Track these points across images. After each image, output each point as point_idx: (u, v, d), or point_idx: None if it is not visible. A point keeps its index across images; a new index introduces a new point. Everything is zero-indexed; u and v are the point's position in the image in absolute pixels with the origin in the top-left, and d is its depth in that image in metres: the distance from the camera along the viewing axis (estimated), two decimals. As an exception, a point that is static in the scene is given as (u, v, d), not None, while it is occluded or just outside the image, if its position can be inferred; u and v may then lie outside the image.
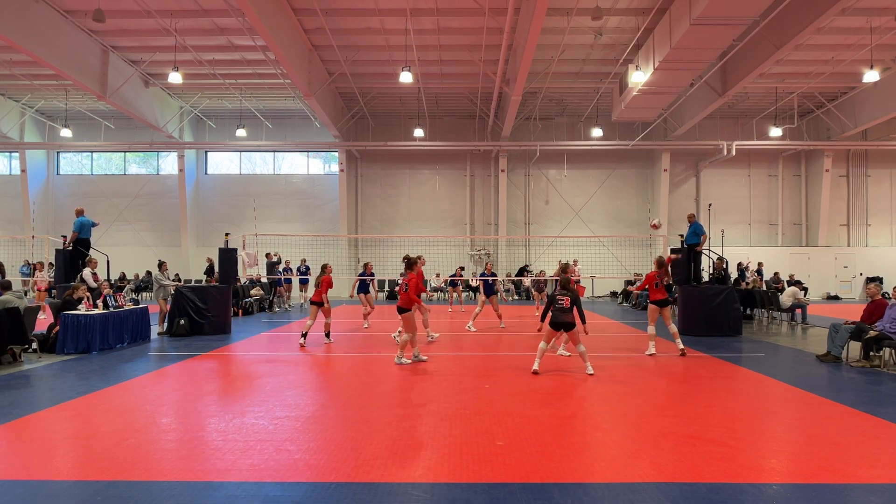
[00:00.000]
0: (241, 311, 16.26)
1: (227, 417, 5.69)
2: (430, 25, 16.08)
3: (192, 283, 17.77)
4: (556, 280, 9.08)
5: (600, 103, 22.32)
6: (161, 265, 12.68)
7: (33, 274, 20.51)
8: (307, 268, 19.34)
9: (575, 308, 7.68)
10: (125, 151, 25.64)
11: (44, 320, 12.22)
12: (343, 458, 4.51)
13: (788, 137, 23.65)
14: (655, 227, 12.02)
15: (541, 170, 25.19)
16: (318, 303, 10.43)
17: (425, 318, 10.71)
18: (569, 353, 9.36)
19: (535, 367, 7.92)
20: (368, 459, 4.48)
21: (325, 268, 10.80)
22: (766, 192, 25.17)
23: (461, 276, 19.29)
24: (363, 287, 13.72)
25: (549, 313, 7.80)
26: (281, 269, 19.06)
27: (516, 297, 23.79)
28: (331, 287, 10.69)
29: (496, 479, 4.08)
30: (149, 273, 22.86)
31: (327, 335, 10.93)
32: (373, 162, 25.36)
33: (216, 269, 15.01)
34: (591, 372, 7.81)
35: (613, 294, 24.44)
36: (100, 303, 10.30)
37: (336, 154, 24.96)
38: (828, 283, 24.08)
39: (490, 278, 13.99)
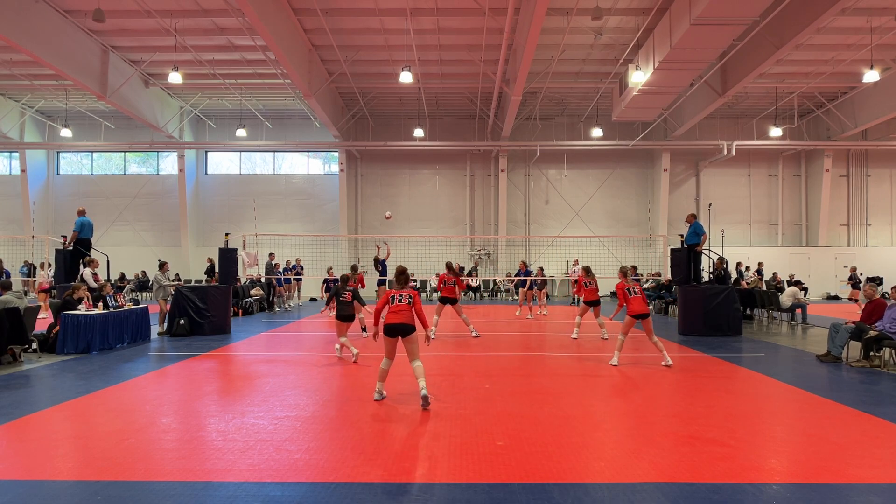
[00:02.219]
0: (241, 311, 16.26)
1: (227, 417, 5.69)
2: (430, 25, 16.08)
3: (192, 283, 17.76)
4: (538, 279, 9.33)
5: (600, 103, 22.32)
6: (162, 265, 12.68)
7: (31, 273, 20.55)
8: (301, 267, 19.72)
9: (356, 301, 9.03)
10: (125, 151, 25.63)
11: (43, 320, 12.22)
12: (343, 458, 4.51)
13: (788, 137, 23.65)
14: (388, 217, 14.92)
15: (541, 170, 25.18)
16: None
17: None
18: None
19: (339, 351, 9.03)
20: (368, 459, 4.48)
21: (356, 268, 12.45)
22: (766, 192, 25.16)
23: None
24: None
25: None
26: (282, 270, 19.08)
27: (516, 297, 23.78)
28: (363, 286, 12.32)
29: (496, 479, 4.08)
30: (144, 273, 22.92)
31: (364, 329, 11.83)
32: (373, 162, 25.36)
33: (216, 269, 15.02)
34: (355, 352, 8.69)
35: (613, 294, 24.43)
36: (100, 303, 10.29)
37: (336, 154, 24.96)
38: (828, 283, 24.07)
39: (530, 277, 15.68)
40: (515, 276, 17.22)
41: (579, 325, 11.58)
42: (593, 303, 11.33)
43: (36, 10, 14.45)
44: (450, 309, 12.60)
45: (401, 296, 6.42)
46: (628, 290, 8.61)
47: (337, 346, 9.14)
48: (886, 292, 10.64)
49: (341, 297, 8.84)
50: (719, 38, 13.67)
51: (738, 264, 20.54)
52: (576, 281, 12.67)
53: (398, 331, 6.28)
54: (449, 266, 11.90)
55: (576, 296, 21.16)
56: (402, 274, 6.73)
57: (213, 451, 4.68)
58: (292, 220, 25.27)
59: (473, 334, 11.61)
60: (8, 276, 15.64)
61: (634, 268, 17.04)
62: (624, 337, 8.69)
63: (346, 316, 8.85)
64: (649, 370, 8.20)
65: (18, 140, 23.91)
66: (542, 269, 17.34)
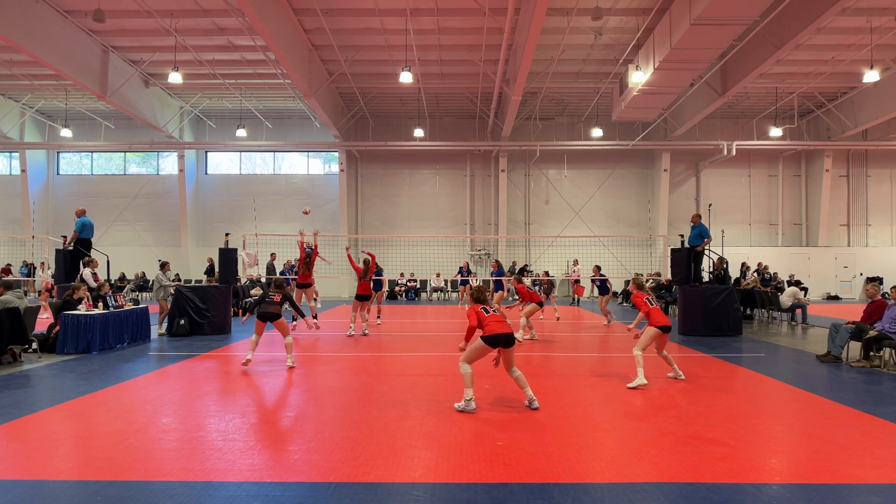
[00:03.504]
0: (241, 311, 16.24)
1: (227, 417, 5.69)
2: (430, 25, 16.08)
3: (193, 283, 17.77)
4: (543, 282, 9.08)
5: (600, 103, 22.32)
6: (163, 265, 12.69)
7: (31, 273, 20.59)
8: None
9: (288, 302, 8.69)
10: (125, 151, 25.64)
11: (43, 320, 12.21)
12: (343, 458, 4.51)
13: (788, 137, 23.65)
14: (306, 212, 13.89)
15: (541, 170, 25.19)
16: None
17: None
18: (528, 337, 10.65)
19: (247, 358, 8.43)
20: (368, 459, 4.48)
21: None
22: (766, 192, 25.17)
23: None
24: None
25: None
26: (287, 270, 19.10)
27: (516, 298, 23.76)
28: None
29: (496, 479, 4.08)
30: (143, 273, 23.00)
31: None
32: (373, 162, 25.37)
33: (216, 269, 15.01)
34: (291, 364, 8.34)
35: (614, 294, 24.41)
36: (100, 303, 10.29)
37: (336, 154, 24.97)
38: (828, 283, 24.07)
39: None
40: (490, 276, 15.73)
41: (526, 327, 11.08)
42: (539, 304, 11.07)
43: (36, 10, 14.45)
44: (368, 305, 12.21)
45: (487, 308, 6.17)
46: (648, 300, 7.82)
47: (250, 355, 8.44)
48: (886, 292, 10.64)
49: (269, 297, 8.54)
50: (719, 38, 13.67)
51: (742, 264, 20.48)
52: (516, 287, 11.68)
53: (505, 341, 5.90)
54: (366, 262, 12.01)
55: (576, 296, 21.22)
56: (483, 292, 6.42)
57: (213, 451, 4.68)
58: (292, 220, 25.24)
59: (349, 334, 11.62)
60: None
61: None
62: (642, 351, 7.51)
63: (266, 314, 8.35)
64: (649, 371, 8.19)
65: (18, 140, 23.91)
66: (547, 272, 17.00)
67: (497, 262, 15.69)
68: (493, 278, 14.65)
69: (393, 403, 6.23)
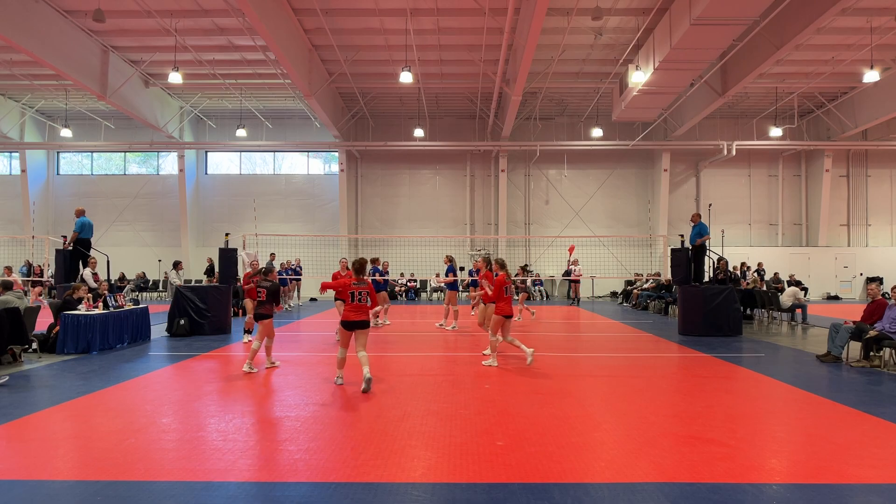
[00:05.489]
0: (241, 310, 16.24)
1: (227, 417, 5.69)
2: (430, 25, 16.08)
3: (193, 283, 17.77)
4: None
5: (600, 103, 22.31)
6: (177, 265, 12.77)
7: (30, 273, 20.60)
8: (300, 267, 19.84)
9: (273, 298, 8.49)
10: (125, 151, 25.62)
11: (43, 321, 12.20)
12: (343, 458, 4.51)
13: (788, 137, 23.65)
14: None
15: (541, 170, 25.18)
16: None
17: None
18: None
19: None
20: (368, 459, 4.49)
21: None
22: (766, 192, 25.16)
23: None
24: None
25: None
26: (287, 270, 19.12)
27: (516, 298, 23.76)
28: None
29: (496, 479, 4.08)
30: (144, 273, 23.09)
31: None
32: (373, 162, 25.36)
33: (216, 268, 15.02)
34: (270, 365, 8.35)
35: (613, 294, 24.44)
36: (100, 303, 10.29)
37: (336, 154, 24.96)
38: (828, 283, 24.07)
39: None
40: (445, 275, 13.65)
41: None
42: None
43: (36, 10, 14.45)
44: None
45: (356, 293, 6.83)
46: (507, 288, 7.88)
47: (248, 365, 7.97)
48: (887, 292, 10.64)
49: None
50: (719, 38, 13.67)
51: (743, 264, 20.45)
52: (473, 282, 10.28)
53: (360, 326, 6.90)
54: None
55: (576, 296, 21.23)
56: (364, 265, 7.11)
57: (213, 451, 4.68)
58: (292, 220, 25.26)
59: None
60: None
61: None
62: (497, 337, 8.07)
63: (261, 315, 8.09)
64: (648, 370, 8.20)
65: (18, 140, 23.90)
66: (522, 268, 16.73)
67: (449, 257, 13.63)
68: (448, 279, 13.33)
69: (393, 403, 6.23)
